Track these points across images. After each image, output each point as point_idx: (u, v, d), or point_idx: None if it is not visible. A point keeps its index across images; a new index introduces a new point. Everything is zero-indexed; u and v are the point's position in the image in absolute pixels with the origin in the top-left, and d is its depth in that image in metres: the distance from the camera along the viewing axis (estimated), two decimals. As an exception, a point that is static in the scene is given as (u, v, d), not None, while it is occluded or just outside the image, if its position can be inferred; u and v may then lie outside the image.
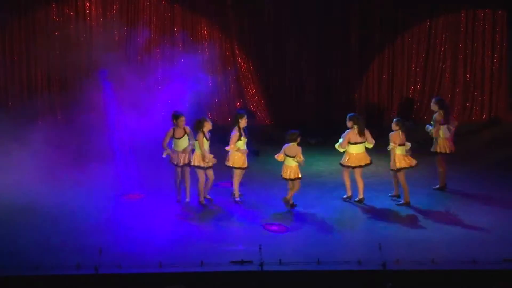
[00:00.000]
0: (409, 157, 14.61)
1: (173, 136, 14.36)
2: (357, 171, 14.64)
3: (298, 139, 14.14)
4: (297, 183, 14.19)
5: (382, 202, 14.68)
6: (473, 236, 12.56)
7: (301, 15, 20.74)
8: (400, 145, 14.48)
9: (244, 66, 21.08)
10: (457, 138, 15.66)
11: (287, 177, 14.15)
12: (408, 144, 14.61)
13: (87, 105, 18.73)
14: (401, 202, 14.53)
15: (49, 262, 11.31)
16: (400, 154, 14.50)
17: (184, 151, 14.39)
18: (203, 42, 20.75)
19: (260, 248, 11.51)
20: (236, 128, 14.46)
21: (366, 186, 14.81)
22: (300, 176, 14.15)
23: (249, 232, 12.94)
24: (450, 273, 11.14)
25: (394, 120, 14.69)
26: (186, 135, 14.41)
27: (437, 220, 13.56)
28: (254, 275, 11.08)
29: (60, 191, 15.00)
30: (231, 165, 14.56)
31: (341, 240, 12.59)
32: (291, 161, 14.10)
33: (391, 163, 14.58)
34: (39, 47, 20.19)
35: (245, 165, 14.65)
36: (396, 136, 14.48)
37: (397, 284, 10.71)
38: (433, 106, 15.37)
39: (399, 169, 14.50)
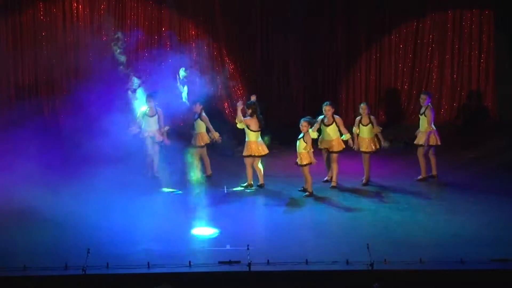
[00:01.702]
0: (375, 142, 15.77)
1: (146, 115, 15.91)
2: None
3: None
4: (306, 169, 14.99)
5: (371, 202, 14.73)
6: (462, 236, 12.59)
7: (288, 16, 20.74)
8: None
9: (232, 66, 21.07)
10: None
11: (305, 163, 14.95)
12: (378, 128, 15.67)
13: (75, 106, 18.68)
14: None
15: (37, 263, 11.27)
16: (365, 137, 15.66)
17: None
18: (191, 43, 20.74)
19: (248, 248, 11.51)
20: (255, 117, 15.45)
21: (355, 186, 15.08)
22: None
23: (237, 232, 12.93)
24: (438, 273, 11.16)
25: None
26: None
27: (425, 220, 13.60)
28: (242, 275, 11.08)
29: (47, 193, 14.94)
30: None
31: (329, 240, 12.59)
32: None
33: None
34: (25, 47, 20.13)
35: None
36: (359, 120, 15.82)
37: (385, 284, 10.72)
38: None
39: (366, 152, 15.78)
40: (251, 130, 15.42)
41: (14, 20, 20.23)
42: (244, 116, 15.43)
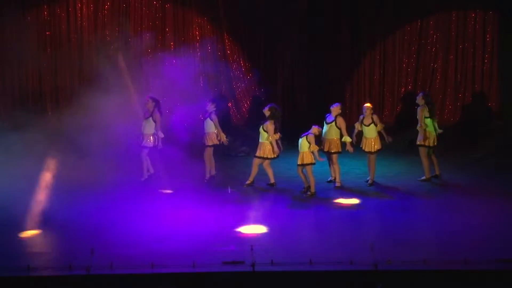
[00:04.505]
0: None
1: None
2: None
3: None
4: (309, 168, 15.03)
5: (374, 202, 14.73)
6: (465, 236, 12.57)
7: (293, 16, 20.75)
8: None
9: (235, 66, 21.08)
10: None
11: (307, 162, 14.97)
12: (381, 125, 15.82)
13: (79, 107, 18.66)
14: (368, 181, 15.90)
15: (41, 263, 11.28)
16: (369, 137, 15.72)
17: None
18: (195, 43, 20.75)
19: (251, 249, 11.51)
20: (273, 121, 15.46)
21: (357, 186, 15.10)
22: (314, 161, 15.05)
23: (240, 232, 12.93)
24: (442, 273, 11.15)
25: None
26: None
27: (429, 220, 13.59)
28: (245, 275, 11.08)
29: (51, 194, 14.94)
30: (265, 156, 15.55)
31: (333, 240, 12.59)
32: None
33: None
34: (29, 48, 20.15)
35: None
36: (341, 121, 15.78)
37: (389, 285, 10.72)
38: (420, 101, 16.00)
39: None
40: (266, 133, 15.42)
41: (18, 21, 20.21)
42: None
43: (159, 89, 17.47)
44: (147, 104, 15.97)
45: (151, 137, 15.89)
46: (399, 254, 11.63)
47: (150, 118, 15.91)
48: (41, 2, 20.32)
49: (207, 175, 16.26)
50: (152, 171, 16.20)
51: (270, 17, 20.93)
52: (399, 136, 19.04)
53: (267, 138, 15.42)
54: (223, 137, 16.07)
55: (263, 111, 15.66)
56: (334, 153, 15.59)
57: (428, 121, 15.84)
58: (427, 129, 15.85)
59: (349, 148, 15.58)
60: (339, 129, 15.60)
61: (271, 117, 15.48)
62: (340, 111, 15.71)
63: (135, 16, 20.68)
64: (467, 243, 12.20)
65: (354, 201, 14.81)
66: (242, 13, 20.97)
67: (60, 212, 13.84)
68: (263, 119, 15.62)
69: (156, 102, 15.98)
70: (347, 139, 15.55)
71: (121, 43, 20.20)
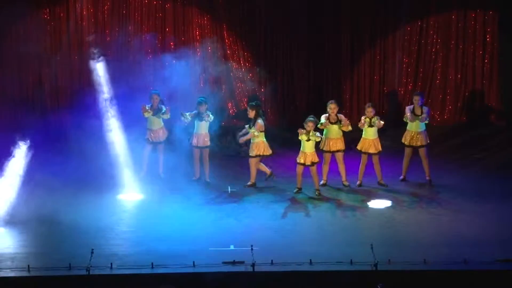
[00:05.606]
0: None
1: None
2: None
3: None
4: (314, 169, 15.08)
5: (375, 202, 14.73)
6: (465, 236, 12.59)
7: (293, 15, 20.73)
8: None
9: (235, 66, 21.06)
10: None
11: (308, 163, 15.00)
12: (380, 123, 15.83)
13: (80, 108, 18.65)
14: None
15: (41, 263, 11.29)
16: (371, 139, 15.73)
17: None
18: (195, 43, 20.71)
19: (252, 249, 11.51)
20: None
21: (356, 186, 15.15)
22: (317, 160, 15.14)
23: (241, 232, 12.94)
24: (442, 273, 11.16)
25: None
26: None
27: (429, 220, 13.60)
28: (246, 275, 11.09)
29: (50, 194, 14.93)
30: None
31: (333, 240, 12.60)
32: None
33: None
34: (29, 49, 20.12)
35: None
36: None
37: (389, 285, 10.72)
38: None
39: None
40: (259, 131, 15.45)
41: (19, 21, 20.18)
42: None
43: (158, 90, 17.40)
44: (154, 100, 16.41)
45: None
46: (399, 254, 11.64)
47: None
48: (41, 3, 20.27)
49: (207, 177, 16.27)
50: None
51: (270, 17, 20.89)
52: (399, 136, 19.05)
53: (256, 135, 15.42)
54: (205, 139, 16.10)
55: (248, 112, 15.66)
56: (340, 151, 15.59)
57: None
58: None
59: (345, 123, 15.62)
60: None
61: (256, 116, 15.49)
62: (338, 107, 15.74)
63: (135, 16, 20.65)
64: (467, 243, 12.21)
65: (354, 201, 14.87)
66: (242, 13, 20.93)
67: (61, 212, 13.85)
68: (247, 121, 15.67)
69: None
70: (349, 127, 15.62)
71: (121, 43, 20.18)
